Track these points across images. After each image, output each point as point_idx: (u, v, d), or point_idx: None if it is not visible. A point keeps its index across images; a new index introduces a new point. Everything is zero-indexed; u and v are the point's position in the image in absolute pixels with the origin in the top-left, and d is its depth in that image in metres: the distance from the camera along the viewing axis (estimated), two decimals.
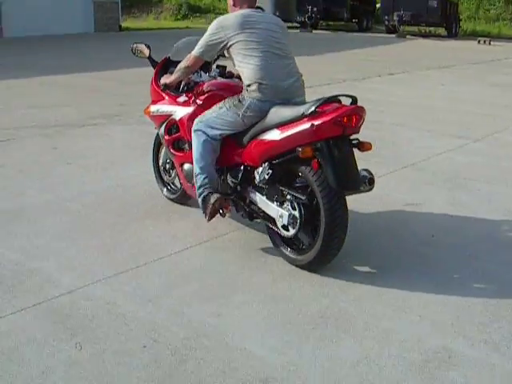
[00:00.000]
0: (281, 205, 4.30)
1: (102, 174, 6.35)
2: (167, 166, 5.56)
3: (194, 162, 4.58)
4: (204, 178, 4.53)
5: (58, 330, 3.50)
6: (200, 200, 4.58)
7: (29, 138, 7.78)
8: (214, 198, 4.47)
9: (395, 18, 27.59)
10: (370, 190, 4.25)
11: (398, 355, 3.35)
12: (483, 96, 11.96)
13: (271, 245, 4.50)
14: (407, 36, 28.33)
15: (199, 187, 4.55)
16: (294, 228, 4.22)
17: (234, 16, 4.47)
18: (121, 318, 3.63)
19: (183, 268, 4.31)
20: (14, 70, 13.58)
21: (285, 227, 4.27)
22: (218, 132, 4.51)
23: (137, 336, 3.46)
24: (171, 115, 5.07)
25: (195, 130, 4.58)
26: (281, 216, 4.27)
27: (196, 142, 4.57)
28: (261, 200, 4.45)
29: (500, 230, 5.19)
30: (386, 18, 28.65)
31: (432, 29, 31.88)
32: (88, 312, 3.69)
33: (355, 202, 4.90)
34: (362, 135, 4.17)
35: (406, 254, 4.64)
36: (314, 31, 29.23)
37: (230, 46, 4.43)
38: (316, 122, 3.98)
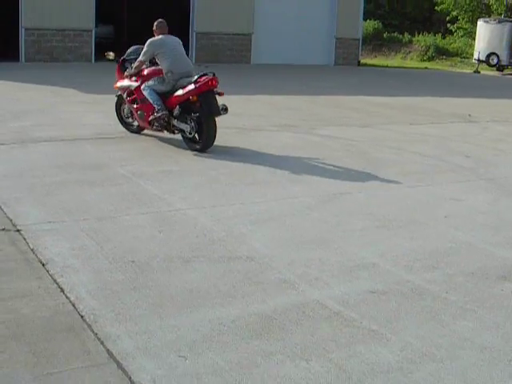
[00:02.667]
0: (186, 124, 8.63)
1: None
2: (129, 114, 9.80)
3: (152, 102, 8.89)
4: (159, 105, 8.78)
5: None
6: (156, 115, 8.80)
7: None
8: (162, 112, 8.75)
9: None
10: (226, 113, 8.75)
11: None
12: None
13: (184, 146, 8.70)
14: None
15: (158, 110, 8.78)
16: (192, 133, 8.65)
17: (157, 39, 9.11)
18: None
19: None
20: (236, 87, 16.13)
21: (190, 133, 8.68)
22: (153, 88, 8.93)
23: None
24: (129, 87, 9.31)
25: (144, 89, 8.96)
26: (187, 129, 8.69)
27: (147, 93, 8.91)
28: (177, 123, 8.78)
29: None
30: None
31: None
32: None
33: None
34: None
35: None
36: None
37: (156, 54, 9.00)
38: (197, 85, 8.54)
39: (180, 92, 8.74)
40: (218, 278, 4.59)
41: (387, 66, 31.14)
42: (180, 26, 23.62)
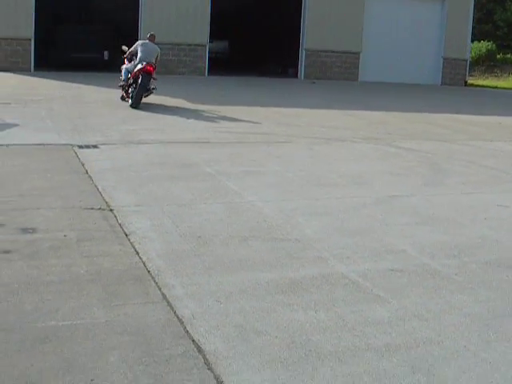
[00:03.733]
0: (132, 88, 14.28)
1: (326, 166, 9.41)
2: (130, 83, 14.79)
3: (123, 76, 15.13)
4: (124, 79, 14.76)
5: None
6: (120, 83, 14.97)
7: (297, 143, 11.15)
8: (123, 81, 14.93)
9: None
10: (149, 93, 14.84)
11: None
12: None
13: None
14: None
15: (122, 80, 14.93)
16: (132, 95, 14.32)
17: (142, 41, 15.23)
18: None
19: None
20: (339, 103, 17.27)
21: (131, 94, 14.43)
22: (126, 68, 14.90)
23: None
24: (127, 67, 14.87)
25: (122, 69, 15.08)
26: (130, 91, 14.40)
27: (123, 72, 14.86)
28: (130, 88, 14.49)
29: None
30: None
31: None
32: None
33: None
34: None
35: None
36: None
37: (136, 50, 14.57)
38: (141, 67, 14.10)
39: (135, 69, 14.44)
40: (266, 252, 5.64)
41: (496, 87, 31.33)
42: (290, 43, 24.93)
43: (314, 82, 24.38)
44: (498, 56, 43.34)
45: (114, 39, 22.95)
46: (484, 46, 43.73)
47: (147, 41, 15.37)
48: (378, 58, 26.90)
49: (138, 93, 14.29)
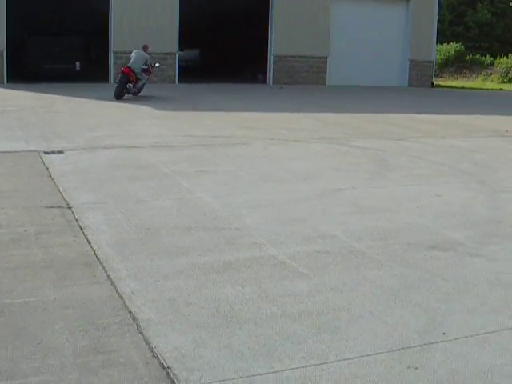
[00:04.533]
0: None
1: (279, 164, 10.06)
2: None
3: None
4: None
5: None
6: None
7: (254, 145, 11.77)
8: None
9: None
10: (127, 92, 19.05)
11: None
12: None
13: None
14: None
15: None
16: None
17: (134, 50, 18.93)
18: None
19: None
20: (303, 106, 17.99)
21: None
22: None
23: None
24: None
25: None
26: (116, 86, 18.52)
27: None
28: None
29: None
30: None
31: None
32: None
33: None
34: None
35: None
36: None
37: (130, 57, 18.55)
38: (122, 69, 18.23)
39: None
40: (207, 240, 6.26)
41: (463, 88, 32.19)
42: (259, 50, 25.64)
43: (281, 87, 25.09)
44: (467, 57, 44.22)
45: (85, 50, 23.50)
46: (453, 47, 44.70)
47: (139, 50, 19.63)
48: (345, 61, 27.65)
49: (116, 88, 19.05)
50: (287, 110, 17.72)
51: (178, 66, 25.19)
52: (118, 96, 18.60)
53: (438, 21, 56.92)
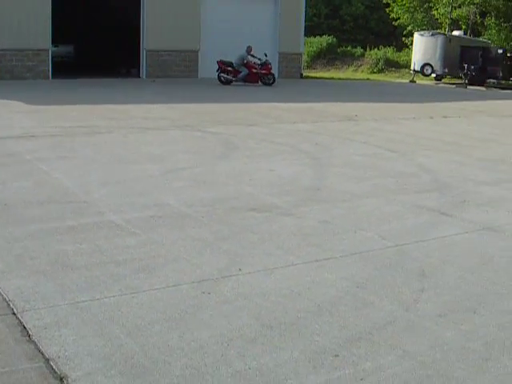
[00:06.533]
0: None
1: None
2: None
3: None
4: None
5: None
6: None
7: (116, 133, 12.72)
8: None
9: None
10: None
11: None
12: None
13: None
14: None
15: None
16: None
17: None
18: None
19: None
20: (170, 98, 19.30)
21: None
22: None
23: None
24: None
25: None
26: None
27: None
28: None
29: None
30: None
31: None
32: None
33: None
34: None
35: None
36: (468, 87, 32.34)
37: None
38: None
39: None
40: (56, 211, 7.25)
41: (332, 78, 34.05)
42: (133, 45, 26.55)
43: (153, 81, 26.09)
44: (339, 49, 46.29)
45: None
46: (325, 40, 46.62)
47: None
48: (216, 55, 28.80)
49: None
50: (155, 102, 18.75)
51: (52, 62, 25.67)
52: None
53: (314, 15, 59.10)
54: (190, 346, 4.15)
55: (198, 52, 28.40)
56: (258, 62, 25.92)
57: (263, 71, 26.02)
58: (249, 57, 25.86)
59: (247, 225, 6.84)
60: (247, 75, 25.77)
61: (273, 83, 26.20)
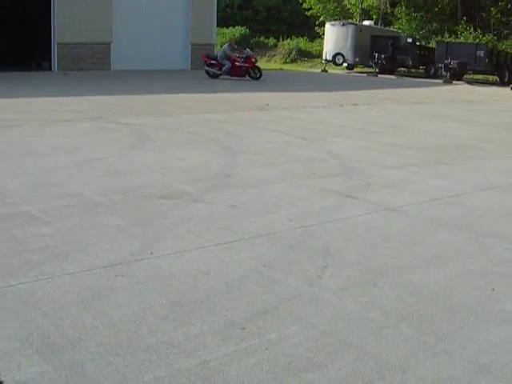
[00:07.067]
0: None
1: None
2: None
3: None
4: None
5: None
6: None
7: (28, 126, 12.66)
8: None
9: (442, 66, 31.17)
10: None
11: None
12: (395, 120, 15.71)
13: None
14: (453, 82, 31.69)
15: None
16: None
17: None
18: None
19: None
20: (83, 90, 19.16)
21: None
22: None
23: None
24: None
25: None
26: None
27: None
28: None
29: None
30: (440, 65, 32.23)
31: (492, 77, 34.97)
32: None
33: None
34: None
35: None
36: (379, 76, 33.23)
37: None
38: None
39: None
40: None
41: None
42: (44, 38, 26.24)
43: (66, 74, 25.89)
44: (252, 40, 46.68)
45: None
46: (238, 30, 46.91)
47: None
48: (129, 47, 28.81)
49: None
50: (68, 94, 18.67)
51: None
52: None
53: (227, 5, 59.34)
54: (104, 325, 4.34)
55: (110, 44, 28.19)
56: (241, 55, 26.31)
57: (246, 64, 26.19)
58: (228, 50, 26.31)
59: (159, 211, 7.03)
60: (231, 69, 25.99)
61: (259, 77, 26.47)
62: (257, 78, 26.43)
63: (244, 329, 4.37)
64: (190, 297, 4.85)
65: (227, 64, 25.95)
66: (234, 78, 25.95)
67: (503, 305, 4.96)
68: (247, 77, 26.24)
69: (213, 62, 26.29)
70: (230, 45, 26.66)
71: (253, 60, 26.51)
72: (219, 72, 25.96)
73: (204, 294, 4.92)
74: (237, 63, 26.04)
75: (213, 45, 31.74)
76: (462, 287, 5.29)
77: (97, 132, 11.96)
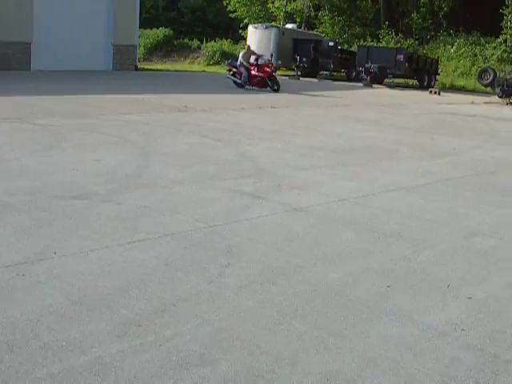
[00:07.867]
0: None
1: None
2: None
3: None
4: None
5: None
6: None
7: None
8: None
9: (363, 69, 31.87)
10: None
11: None
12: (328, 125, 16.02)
13: None
14: (374, 85, 32.43)
15: None
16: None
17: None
18: None
19: None
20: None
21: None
22: None
23: None
24: None
25: None
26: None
27: None
28: None
29: None
30: (360, 69, 32.92)
31: (413, 81, 35.88)
32: None
33: None
34: None
35: None
36: (301, 79, 33.72)
37: None
38: None
39: None
40: None
41: (168, 70, 34.39)
42: None
43: None
44: (176, 42, 46.66)
45: None
46: (162, 32, 46.82)
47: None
48: (51, 47, 28.48)
49: None
50: None
51: None
52: None
53: (152, 7, 59.11)
54: (1, 324, 4.40)
55: (30, 44, 27.82)
56: (255, 63, 24.03)
57: (261, 74, 23.81)
58: (243, 56, 24.35)
59: (67, 212, 7.08)
60: (250, 77, 23.98)
61: (277, 90, 23.78)
62: (276, 90, 23.73)
63: (140, 326, 4.49)
64: (89, 295, 4.94)
65: (244, 72, 23.92)
66: (254, 88, 23.81)
67: (396, 301, 5.19)
68: (268, 88, 23.73)
69: (235, 70, 24.40)
70: (247, 51, 24.65)
71: (267, 70, 23.76)
72: (239, 81, 23.99)
73: (104, 292, 5.02)
74: (252, 72, 23.88)
75: (135, 46, 31.70)
76: (359, 284, 5.51)
77: (12, 133, 11.89)
